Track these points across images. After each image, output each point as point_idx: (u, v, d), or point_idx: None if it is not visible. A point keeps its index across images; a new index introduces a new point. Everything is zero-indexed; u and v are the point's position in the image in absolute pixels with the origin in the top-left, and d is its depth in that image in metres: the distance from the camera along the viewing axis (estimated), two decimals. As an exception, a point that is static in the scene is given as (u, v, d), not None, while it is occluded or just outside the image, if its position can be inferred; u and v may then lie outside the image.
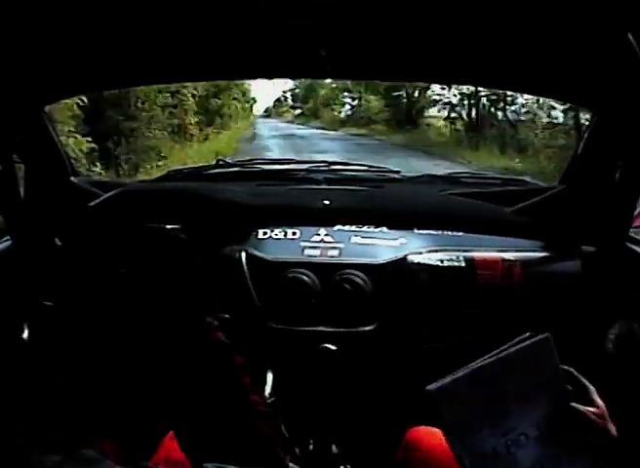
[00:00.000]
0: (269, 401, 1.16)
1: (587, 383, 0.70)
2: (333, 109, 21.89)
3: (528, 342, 0.69)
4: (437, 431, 0.98)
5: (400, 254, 1.20)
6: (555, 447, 0.67)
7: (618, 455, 0.64)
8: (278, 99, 32.41)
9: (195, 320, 1.04)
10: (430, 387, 0.66)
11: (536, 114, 9.33)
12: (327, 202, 1.28)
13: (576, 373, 0.71)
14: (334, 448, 1.18)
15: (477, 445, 0.65)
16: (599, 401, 0.68)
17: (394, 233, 1.24)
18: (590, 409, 0.67)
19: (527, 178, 1.45)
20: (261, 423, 0.86)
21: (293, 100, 30.27)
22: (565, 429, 0.67)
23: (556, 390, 0.69)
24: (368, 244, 1.23)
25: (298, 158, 1.66)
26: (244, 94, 18.29)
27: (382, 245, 1.22)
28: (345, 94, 19.65)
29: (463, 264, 1.19)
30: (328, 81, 17.39)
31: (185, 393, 1.07)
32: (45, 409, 1.16)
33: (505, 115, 10.54)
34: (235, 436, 0.87)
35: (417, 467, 0.98)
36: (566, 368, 0.70)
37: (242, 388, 0.91)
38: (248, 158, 1.58)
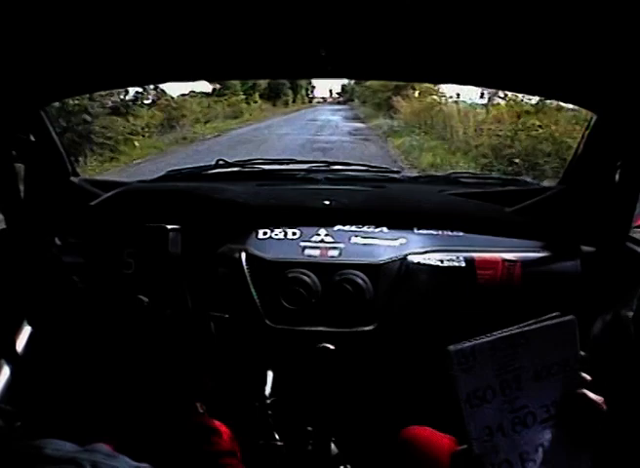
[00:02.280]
0: (269, 400, 1.16)
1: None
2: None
3: (552, 321, 0.68)
4: (430, 430, 0.98)
5: (400, 254, 1.20)
6: (560, 432, 0.67)
7: (620, 447, 0.64)
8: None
9: (184, 405, 1.06)
10: (450, 347, 0.65)
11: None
12: (327, 202, 1.28)
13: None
14: (334, 447, 1.18)
15: (485, 416, 0.66)
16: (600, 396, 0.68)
17: (394, 233, 1.24)
18: (600, 397, 0.66)
19: (527, 178, 1.45)
20: None
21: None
22: (574, 415, 0.67)
23: (572, 375, 0.68)
24: (368, 244, 1.23)
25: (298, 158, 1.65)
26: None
27: (382, 245, 1.22)
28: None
29: (463, 264, 1.19)
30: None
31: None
32: (46, 408, 1.16)
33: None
34: None
35: (411, 466, 0.98)
36: (584, 354, 0.69)
37: None
38: (248, 158, 1.58)
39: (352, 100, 19.64)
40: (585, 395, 0.66)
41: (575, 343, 0.68)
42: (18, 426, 0.62)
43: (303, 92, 20.82)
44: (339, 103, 20.41)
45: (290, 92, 19.26)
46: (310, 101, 21.07)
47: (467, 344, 0.65)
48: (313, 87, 20.93)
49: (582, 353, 0.69)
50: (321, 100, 21.54)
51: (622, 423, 0.65)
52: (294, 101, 19.83)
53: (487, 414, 0.66)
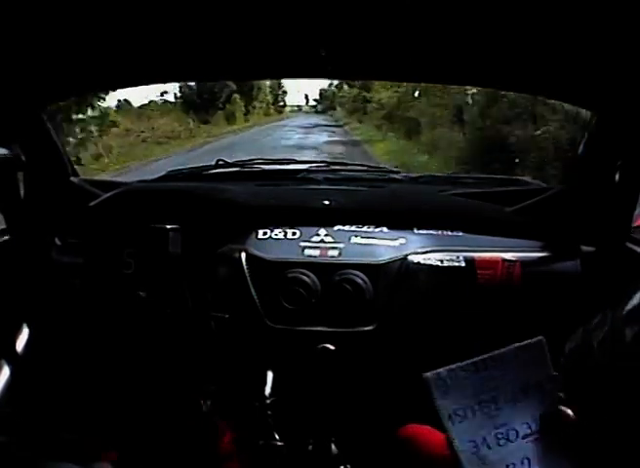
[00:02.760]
0: (269, 400, 1.16)
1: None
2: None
3: (521, 344, 0.71)
4: (429, 428, 0.99)
5: (400, 254, 1.20)
6: (544, 446, 0.69)
7: (603, 460, 0.66)
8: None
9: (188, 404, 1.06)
10: (427, 374, 0.69)
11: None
12: (327, 202, 1.28)
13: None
14: (334, 447, 1.18)
15: (469, 431, 0.68)
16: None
17: (394, 233, 1.24)
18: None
19: (527, 178, 1.45)
20: None
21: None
22: (554, 430, 0.70)
23: (548, 394, 0.71)
24: (368, 244, 1.23)
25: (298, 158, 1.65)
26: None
27: (382, 245, 1.22)
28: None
29: (463, 264, 1.19)
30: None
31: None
32: (46, 414, 1.16)
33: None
34: None
35: (409, 464, 0.98)
36: (557, 374, 0.72)
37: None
38: (248, 158, 1.58)
39: (334, 109, 14.41)
40: (563, 411, 0.69)
41: (546, 363, 0.71)
42: (18, 444, 0.62)
43: (269, 98, 14.22)
44: (317, 112, 15.15)
45: (238, 99, 11.86)
46: (280, 111, 15.26)
47: (443, 369, 0.69)
48: (284, 92, 15.20)
49: (557, 373, 0.72)
50: (296, 109, 15.76)
51: (604, 434, 0.66)
52: (247, 114, 12.95)
53: (471, 430, 0.69)
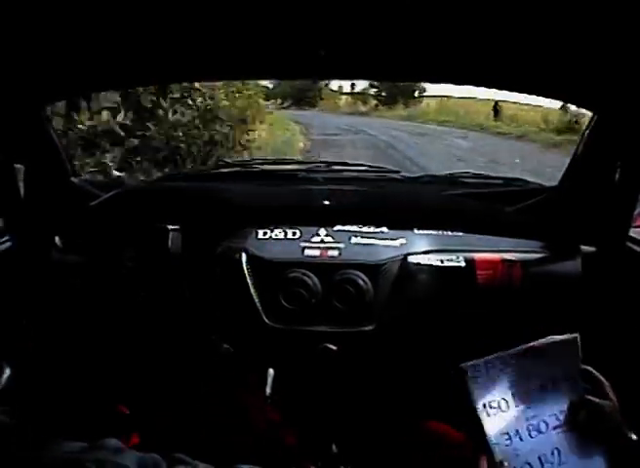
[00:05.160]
0: (269, 401, 1.16)
1: (604, 380, 0.74)
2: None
3: (557, 339, 0.73)
4: (448, 426, 0.99)
5: (400, 255, 1.20)
6: (573, 436, 0.71)
7: (630, 449, 0.67)
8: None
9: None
10: (463, 365, 0.70)
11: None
12: (327, 202, 1.28)
13: (594, 372, 0.75)
14: (334, 447, 1.18)
15: (502, 423, 0.70)
16: (614, 397, 0.72)
17: (394, 233, 1.24)
18: (606, 402, 0.70)
19: (527, 178, 1.45)
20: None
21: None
22: (583, 421, 0.71)
23: (575, 385, 0.73)
24: (368, 244, 1.23)
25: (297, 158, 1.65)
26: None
27: (383, 245, 1.22)
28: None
29: (463, 264, 1.19)
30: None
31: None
32: (46, 415, 1.16)
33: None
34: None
35: (429, 461, 0.99)
36: (584, 367, 0.74)
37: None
38: (248, 158, 1.58)
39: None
40: (591, 400, 0.71)
41: (577, 358, 0.73)
42: (20, 426, 0.62)
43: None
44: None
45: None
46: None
47: (479, 360, 0.70)
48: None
49: (584, 366, 0.74)
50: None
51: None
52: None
53: (504, 422, 0.70)
